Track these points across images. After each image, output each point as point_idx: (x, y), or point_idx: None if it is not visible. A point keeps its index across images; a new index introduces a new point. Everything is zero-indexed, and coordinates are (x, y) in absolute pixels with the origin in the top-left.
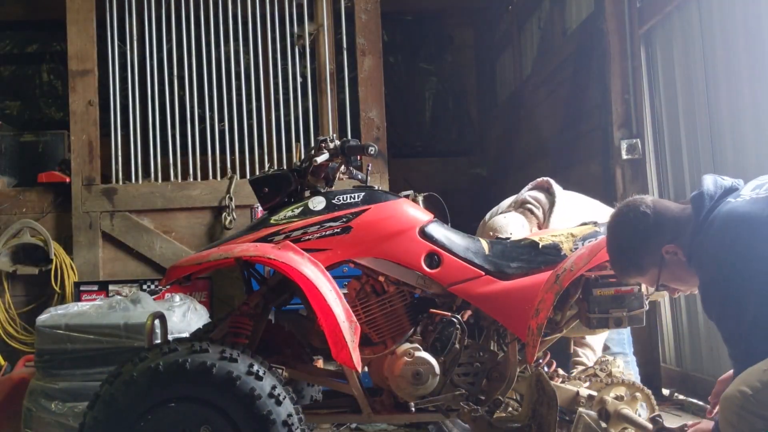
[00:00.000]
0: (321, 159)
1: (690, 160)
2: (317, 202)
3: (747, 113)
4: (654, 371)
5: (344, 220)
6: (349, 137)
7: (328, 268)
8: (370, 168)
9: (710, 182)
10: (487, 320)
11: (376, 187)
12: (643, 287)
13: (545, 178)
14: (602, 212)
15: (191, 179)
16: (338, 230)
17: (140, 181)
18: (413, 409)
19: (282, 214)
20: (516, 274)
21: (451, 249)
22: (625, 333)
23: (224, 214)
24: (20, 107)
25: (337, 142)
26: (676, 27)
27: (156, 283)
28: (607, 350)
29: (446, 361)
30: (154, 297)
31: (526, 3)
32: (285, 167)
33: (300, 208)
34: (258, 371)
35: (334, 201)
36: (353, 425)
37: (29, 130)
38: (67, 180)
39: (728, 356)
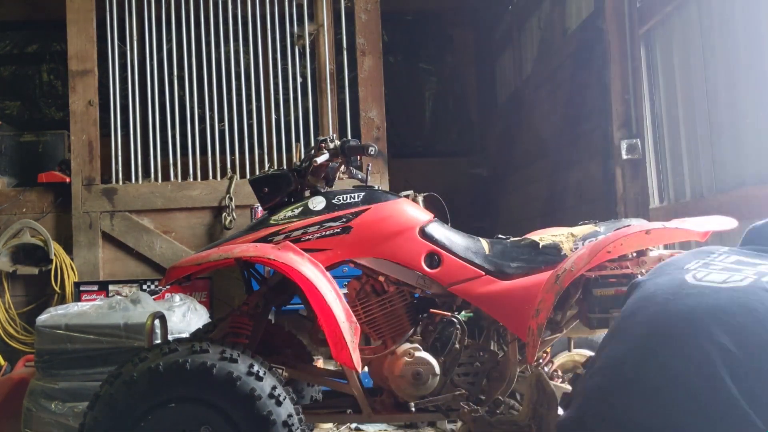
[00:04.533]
0: (321, 159)
1: (690, 160)
2: (317, 202)
3: (747, 113)
4: None
5: (344, 220)
6: (349, 137)
7: (328, 268)
8: (370, 168)
9: None
10: (487, 320)
11: (376, 187)
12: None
13: None
14: None
15: (191, 179)
16: (338, 230)
17: (140, 181)
18: (413, 409)
19: (282, 214)
20: (516, 274)
21: (451, 249)
22: None
23: (224, 214)
24: (20, 107)
25: (337, 142)
26: (676, 27)
27: (156, 283)
28: None
29: (446, 361)
30: (154, 297)
31: (526, 3)
32: (285, 167)
33: (300, 208)
34: (258, 372)
35: (334, 201)
36: (353, 425)
37: (29, 130)
38: (67, 180)
39: None
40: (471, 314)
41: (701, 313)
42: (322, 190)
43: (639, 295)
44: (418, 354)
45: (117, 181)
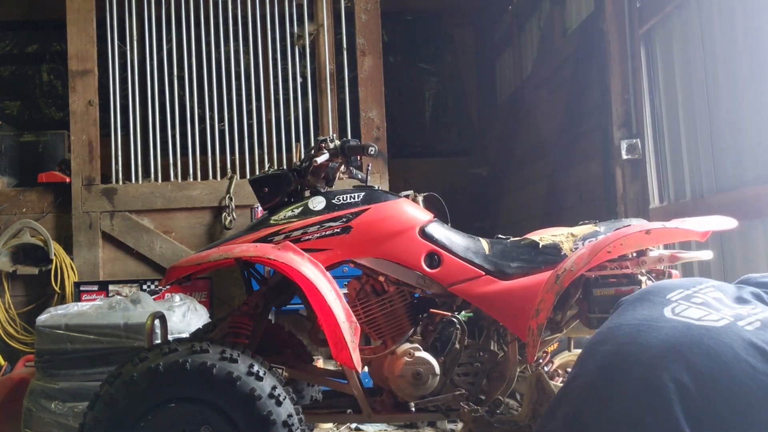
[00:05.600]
0: (321, 159)
1: (690, 160)
2: (317, 202)
3: (747, 113)
4: None
5: (344, 220)
6: (349, 137)
7: (328, 268)
8: (370, 168)
9: None
10: (487, 320)
11: (376, 187)
12: (643, 287)
13: None
14: None
15: (191, 179)
16: (338, 230)
17: (140, 181)
18: (413, 409)
19: (282, 214)
20: (516, 274)
21: (451, 249)
22: None
23: (224, 214)
24: (20, 107)
25: (337, 142)
26: (676, 27)
27: (156, 283)
28: None
29: (446, 361)
30: (154, 297)
31: (526, 3)
32: (285, 167)
33: (300, 208)
34: (258, 371)
35: (334, 201)
36: (353, 425)
37: (29, 130)
38: (67, 180)
39: None
40: (471, 314)
41: (668, 348)
42: (322, 190)
43: (615, 321)
44: (418, 354)
45: (117, 181)
